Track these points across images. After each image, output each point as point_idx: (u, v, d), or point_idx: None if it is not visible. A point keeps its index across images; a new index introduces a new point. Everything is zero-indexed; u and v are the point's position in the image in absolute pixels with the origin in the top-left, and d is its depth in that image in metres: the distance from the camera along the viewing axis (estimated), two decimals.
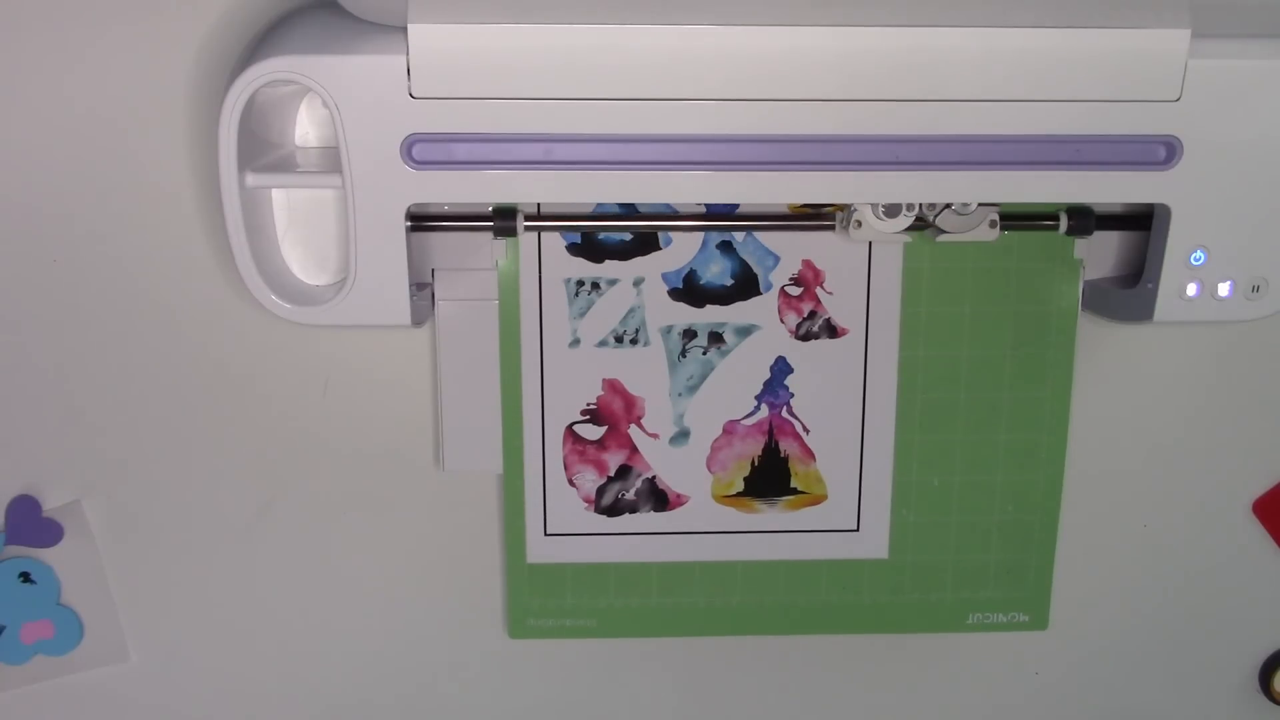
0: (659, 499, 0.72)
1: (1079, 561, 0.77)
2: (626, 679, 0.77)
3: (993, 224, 0.65)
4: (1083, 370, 0.72)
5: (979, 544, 0.73)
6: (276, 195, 0.63)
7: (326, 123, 0.64)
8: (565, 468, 0.71)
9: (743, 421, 0.71)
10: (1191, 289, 0.63)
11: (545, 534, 0.72)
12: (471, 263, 0.68)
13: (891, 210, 0.64)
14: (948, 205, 0.64)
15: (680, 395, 0.70)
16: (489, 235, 0.67)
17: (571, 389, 0.70)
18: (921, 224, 0.65)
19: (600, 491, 0.71)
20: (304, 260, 0.64)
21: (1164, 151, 0.60)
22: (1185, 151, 0.60)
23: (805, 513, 0.72)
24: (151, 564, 0.73)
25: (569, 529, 0.72)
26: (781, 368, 0.70)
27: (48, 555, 0.72)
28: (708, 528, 0.72)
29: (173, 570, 0.73)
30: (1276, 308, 0.64)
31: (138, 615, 0.74)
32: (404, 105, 0.57)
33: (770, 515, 0.72)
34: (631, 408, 0.70)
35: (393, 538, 0.74)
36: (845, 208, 0.65)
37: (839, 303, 0.69)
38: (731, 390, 0.70)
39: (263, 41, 0.58)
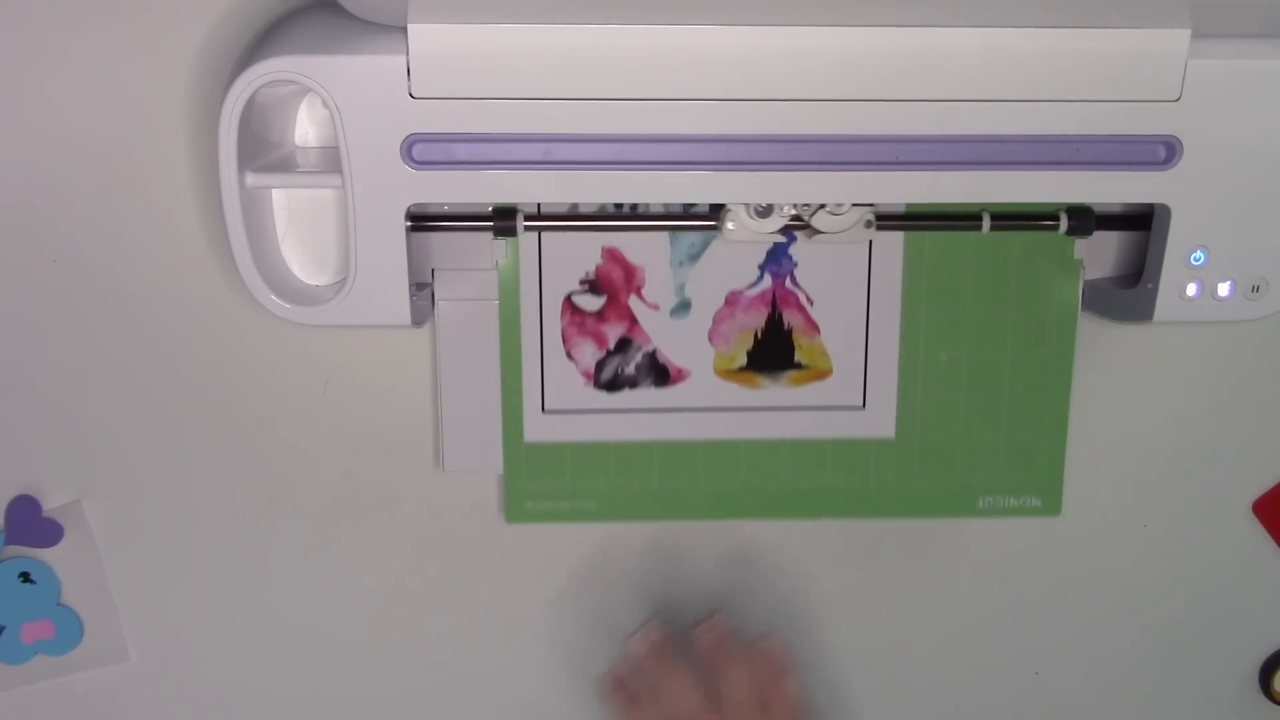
0: (659, 374, 0.70)
1: (1079, 561, 0.77)
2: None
3: (868, 224, 0.65)
4: (1083, 370, 0.72)
5: (989, 423, 0.72)
6: (276, 195, 0.63)
7: (326, 123, 0.64)
8: (564, 340, 0.69)
9: (745, 292, 0.69)
10: (1191, 289, 0.63)
11: (543, 411, 0.70)
12: (471, 263, 0.68)
13: (765, 210, 0.64)
14: (822, 205, 0.64)
15: (681, 264, 0.69)
16: (489, 235, 0.67)
17: (570, 258, 0.68)
18: (799, 224, 0.65)
19: (600, 366, 0.70)
20: (304, 260, 0.64)
21: (1164, 151, 0.60)
22: (1185, 151, 0.60)
23: (810, 388, 0.71)
24: (151, 564, 0.73)
25: (567, 405, 0.70)
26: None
27: (48, 555, 0.72)
28: (710, 404, 0.71)
29: (173, 570, 0.73)
30: (1276, 308, 0.64)
31: (138, 615, 0.74)
32: (404, 105, 0.57)
33: (774, 391, 0.71)
34: (631, 277, 0.69)
35: (393, 538, 0.74)
36: (722, 207, 0.64)
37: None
38: (734, 259, 0.69)
39: (263, 41, 0.58)
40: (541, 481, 0.71)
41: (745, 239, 0.65)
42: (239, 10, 0.64)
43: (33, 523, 0.71)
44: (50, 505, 0.71)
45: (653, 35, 0.56)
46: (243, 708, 0.76)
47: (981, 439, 0.72)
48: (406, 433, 0.72)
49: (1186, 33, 0.57)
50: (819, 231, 0.65)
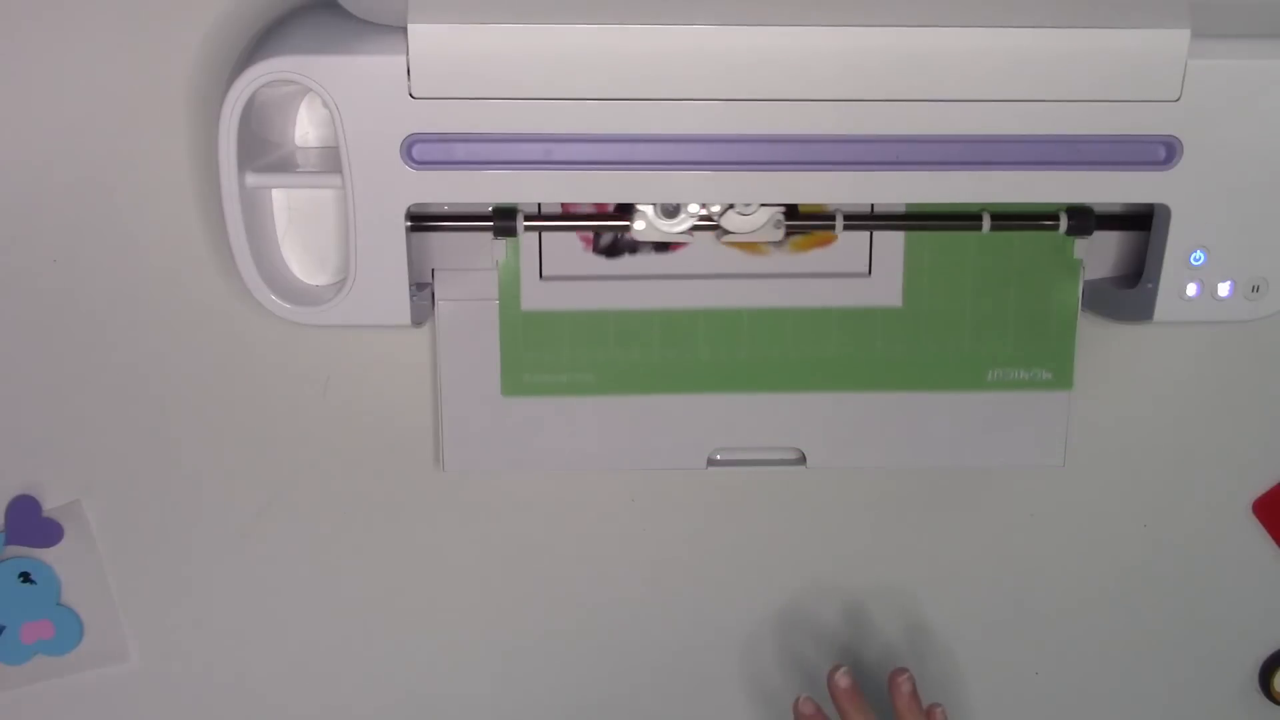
0: None
1: (1079, 561, 0.77)
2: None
3: (777, 224, 0.64)
4: (1083, 370, 0.72)
5: (998, 292, 0.70)
6: (276, 195, 0.63)
7: (326, 123, 0.64)
8: (562, 203, 0.67)
9: None
10: (1191, 289, 0.63)
11: (541, 278, 0.68)
12: (471, 263, 0.68)
13: (673, 210, 0.63)
14: (730, 206, 0.64)
15: None
16: (489, 235, 0.67)
17: None
18: (708, 224, 0.65)
19: (599, 230, 0.68)
20: (304, 260, 0.64)
21: (1164, 151, 0.60)
22: (1185, 151, 0.60)
23: (814, 254, 0.69)
24: (151, 564, 0.73)
25: (566, 271, 0.68)
26: None
27: (48, 555, 0.72)
28: (712, 270, 0.69)
29: (173, 570, 0.73)
30: (1276, 308, 0.64)
31: (138, 615, 0.74)
32: (404, 105, 0.57)
33: (778, 258, 0.69)
34: None
35: (392, 538, 0.74)
36: (631, 207, 0.64)
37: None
38: None
39: (263, 41, 0.58)
40: (539, 353, 0.69)
41: (655, 238, 0.65)
42: (239, 10, 0.64)
43: (33, 523, 0.71)
44: (50, 505, 0.71)
45: (653, 35, 0.56)
46: (242, 708, 0.76)
47: (990, 308, 0.70)
48: (406, 433, 0.72)
49: (1186, 33, 0.57)
50: (729, 232, 0.65)
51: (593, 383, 0.69)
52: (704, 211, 0.64)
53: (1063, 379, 0.71)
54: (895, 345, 0.70)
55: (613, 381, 0.70)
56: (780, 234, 0.65)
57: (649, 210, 0.64)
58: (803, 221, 0.66)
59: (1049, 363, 0.71)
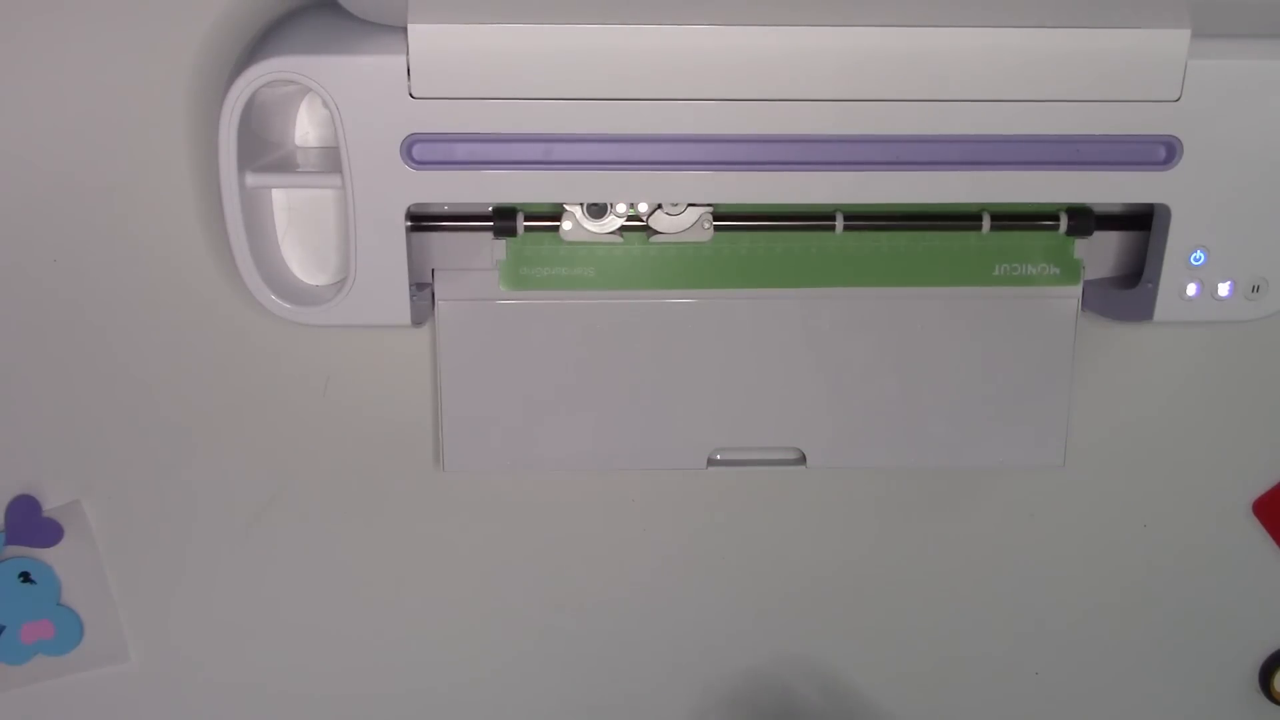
0: None
1: (1079, 561, 0.77)
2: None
3: (706, 224, 0.65)
4: (1083, 370, 0.72)
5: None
6: (276, 195, 0.63)
7: (326, 123, 0.64)
8: None
9: None
10: (1191, 289, 0.63)
11: None
12: (471, 263, 0.68)
13: (599, 210, 0.64)
14: (658, 206, 0.64)
15: None
16: (489, 235, 0.67)
17: None
18: (637, 224, 0.65)
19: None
20: (304, 260, 0.64)
21: (1164, 151, 0.60)
22: (1185, 151, 0.60)
23: None
24: (151, 564, 0.73)
25: None
26: None
27: (48, 555, 0.72)
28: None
29: (173, 570, 0.73)
30: (1276, 308, 0.64)
31: (138, 615, 0.74)
32: (404, 105, 0.57)
33: None
34: None
35: (393, 538, 0.74)
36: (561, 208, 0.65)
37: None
38: None
39: (263, 41, 0.58)
40: (539, 246, 0.68)
41: (582, 239, 0.65)
42: (239, 10, 0.64)
43: (33, 523, 0.71)
44: (50, 505, 0.71)
45: (653, 35, 0.56)
46: (243, 708, 0.76)
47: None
48: (406, 433, 0.72)
49: (1186, 33, 0.57)
50: (657, 232, 0.65)
51: (593, 277, 0.68)
52: (631, 212, 0.65)
53: (1070, 274, 0.70)
54: (900, 239, 0.69)
55: (613, 276, 0.68)
56: (709, 234, 0.65)
57: (577, 211, 0.64)
58: (731, 221, 0.66)
59: (1056, 258, 0.69)
